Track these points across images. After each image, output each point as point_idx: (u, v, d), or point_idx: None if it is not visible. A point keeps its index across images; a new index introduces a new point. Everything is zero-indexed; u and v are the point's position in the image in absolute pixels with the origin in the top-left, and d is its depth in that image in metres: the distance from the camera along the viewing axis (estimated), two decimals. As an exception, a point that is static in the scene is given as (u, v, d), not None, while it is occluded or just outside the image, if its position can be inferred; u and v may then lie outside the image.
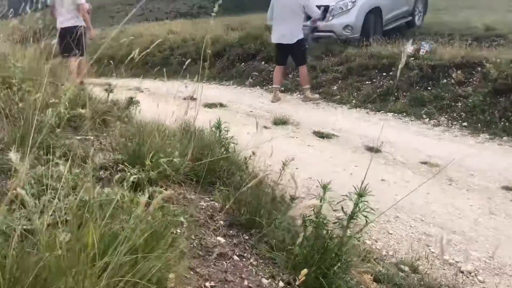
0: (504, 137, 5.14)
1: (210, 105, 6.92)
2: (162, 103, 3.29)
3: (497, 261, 2.76)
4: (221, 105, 6.99)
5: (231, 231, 1.53)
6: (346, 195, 1.51)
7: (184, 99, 8.19)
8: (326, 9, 8.25)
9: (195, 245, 1.35)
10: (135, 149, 1.56)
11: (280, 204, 2.00)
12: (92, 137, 1.84)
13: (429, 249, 2.84)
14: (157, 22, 19.41)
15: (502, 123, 5.34)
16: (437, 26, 10.17)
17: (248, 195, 1.57)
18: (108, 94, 2.37)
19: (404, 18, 9.84)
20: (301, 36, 6.83)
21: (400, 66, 1.76)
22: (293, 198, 2.11)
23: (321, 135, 5.25)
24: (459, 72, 6.35)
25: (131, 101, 2.50)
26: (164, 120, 2.92)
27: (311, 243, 1.39)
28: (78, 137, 1.78)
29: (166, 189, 1.48)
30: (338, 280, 1.35)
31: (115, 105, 2.32)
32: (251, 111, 6.61)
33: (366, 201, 1.50)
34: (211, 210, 1.58)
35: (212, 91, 8.43)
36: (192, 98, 8.45)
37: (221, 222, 1.55)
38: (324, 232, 1.38)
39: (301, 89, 7.25)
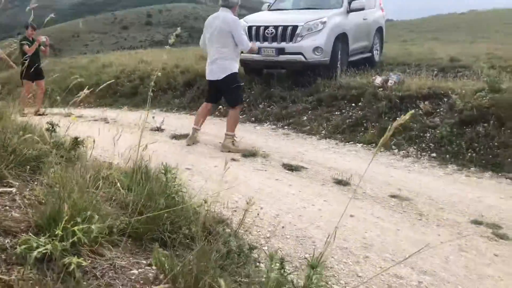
0: (471, 168, 5.15)
1: (178, 137, 6.74)
2: (125, 135, 3.08)
3: (470, 304, 2.64)
4: (190, 136, 6.79)
5: (162, 313, 1.32)
6: (296, 266, 1.34)
7: (152, 130, 7.96)
8: (294, 29, 7.73)
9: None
10: (53, 209, 1.35)
11: (238, 256, 1.81)
12: (14, 189, 1.62)
13: (400, 294, 2.69)
14: (128, 51, 19.31)
15: (469, 154, 5.36)
16: (403, 57, 10.41)
17: (189, 263, 1.37)
18: (51, 134, 2.16)
19: (363, 53, 9.60)
20: (232, 70, 5.73)
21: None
22: (252, 248, 1.93)
23: (290, 167, 5.13)
24: (426, 103, 6.42)
25: (76, 142, 2.29)
26: (119, 156, 2.72)
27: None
28: (-1, 189, 1.57)
29: (88, 257, 1.28)
30: None
31: (57, 147, 2.11)
32: (220, 143, 6.45)
33: (320, 274, 1.33)
34: (141, 282, 1.37)
35: (182, 121, 8.27)
36: (160, 129, 8.20)
37: (152, 299, 1.34)
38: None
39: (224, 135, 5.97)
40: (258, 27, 8.03)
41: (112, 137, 2.60)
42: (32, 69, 7.07)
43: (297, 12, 8.80)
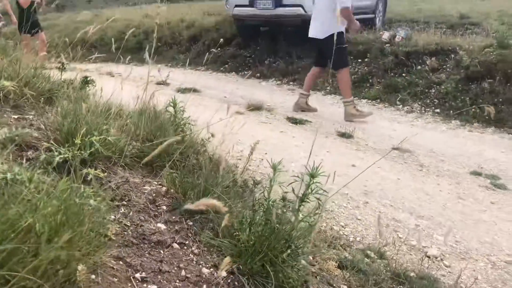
0: (474, 124, 5.19)
1: (183, 90, 6.77)
2: (131, 87, 3.13)
3: (463, 246, 2.76)
4: (195, 90, 6.83)
5: (173, 217, 1.43)
6: (298, 176, 1.43)
7: (157, 83, 8.00)
8: None
9: (129, 232, 1.25)
10: (70, 126, 1.43)
11: (242, 189, 1.91)
12: (31, 116, 1.70)
13: (397, 235, 2.81)
14: (133, 7, 19.00)
15: (473, 109, 5.37)
16: (413, 14, 10.19)
17: (198, 178, 1.47)
18: (61, 72, 2.22)
19: (366, 14, 8.82)
20: (334, 30, 4.99)
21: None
22: (256, 183, 2.02)
23: (294, 121, 5.19)
24: (433, 59, 6.37)
25: (86, 81, 2.35)
26: (125, 103, 2.78)
27: (260, 229, 1.31)
28: (15, 116, 1.64)
29: (104, 171, 1.37)
30: (286, 268, 1.27)
31: (68, 84, 2.17)
32: (225, 97, 6.50)
33: (319, 182, 1.42)
34: (154, 194, 1.47)
35: (187, 76, 8.27)
36: (165, 83, 8.21)
37: (164, 207, 1.44)
38: (274, 216, 1.29)
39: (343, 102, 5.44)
40: None
41: (118, 88, 2.65)
42: (29, 22, 7.03)
43: None
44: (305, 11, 6.97)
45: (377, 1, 9.24)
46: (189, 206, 0.66)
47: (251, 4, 7.22)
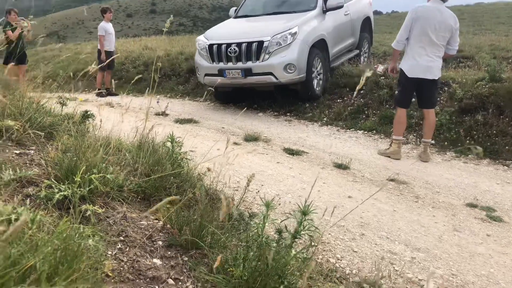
0: (469, 155, 5.24)
1: (181, 121, 6.86)
2: (131, 117, 3.18)
3: (460, 279, 2.75)
4: (194, 121, 6.92)
5: (169, 253, 1.45)
6: (290, 213, 1.45)
7: (156, 114, 8.05)
8: (259, 45, 6.68)
9: (126, 268, 1.26)
10: (70, 163, 1.47)
11: (237, 222, 1.93)
12: (32, 152, 1.75)
13: (393, 267, 2.81)
14: (133, 39, 19.39)
15: (468, 141, 5.44)
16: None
17: (194, 214, 1.50)
18: (62, 107, 2.28)
19: (351, 52, 8.68)
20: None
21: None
22: (252, 216, 2.05)
23: (291, 152, 5.24)
24: (427, 91, 6.47)
25: (86, 115, 2.40)
26: (124, 136, 2.83)
27: (254, 265, 1.33)
28: (17, 151, 1.68)
29: (102, 207, 1.40)
30: (279, 304, 1.28)
31: (69, 118, 2.23)
32: (223, 127, 6.57)
33: (311, 219, 1.45)
34: (150, 230, 1.49)
35: (186, 107, 8.39)
36: (164, 114, 8.28)
37: (160, 242, 1.46)
38: (267, 253, 1.31)
39: (423, 143, 5.22)
40: (219, 46, 6.98)
41: (118, 119, 2.71)
42: (17, 54, 7.20)
43: (264, 20, 7.63)
44: (277, 78, 6.72)
45: (360, 38, 9.04)
46: None
47: (220, 74, 6.97)
